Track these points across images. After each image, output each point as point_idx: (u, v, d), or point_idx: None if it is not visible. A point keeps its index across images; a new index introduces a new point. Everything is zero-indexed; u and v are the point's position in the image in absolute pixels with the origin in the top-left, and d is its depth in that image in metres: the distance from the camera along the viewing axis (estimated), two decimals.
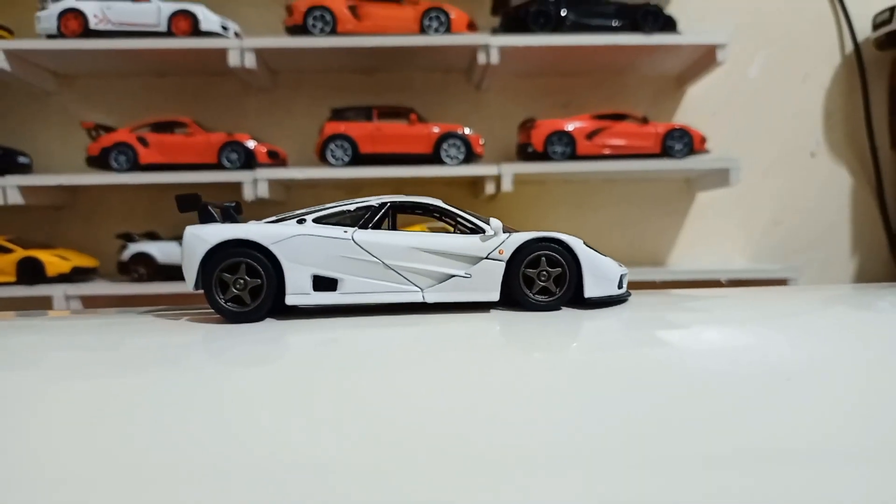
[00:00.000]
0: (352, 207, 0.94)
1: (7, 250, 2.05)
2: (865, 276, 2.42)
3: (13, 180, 2.04)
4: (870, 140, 2.41)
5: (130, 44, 2.03)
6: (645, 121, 2.16)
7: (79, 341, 0.91)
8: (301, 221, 0.93)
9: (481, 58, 2.08)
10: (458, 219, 0.95)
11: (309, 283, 0.90)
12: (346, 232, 0.91)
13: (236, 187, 2.06)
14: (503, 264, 0.90)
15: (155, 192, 2.21)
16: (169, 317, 0.96)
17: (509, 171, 2.09)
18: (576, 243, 0.92)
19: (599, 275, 0.92)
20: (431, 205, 0.96)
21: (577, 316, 0.91)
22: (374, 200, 0.95)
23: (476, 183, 2.23)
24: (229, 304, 0.89)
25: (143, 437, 0.66)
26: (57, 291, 2.04)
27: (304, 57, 2.15)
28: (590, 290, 0.92)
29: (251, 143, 2.07)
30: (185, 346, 0.87)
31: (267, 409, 0.71)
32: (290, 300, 0.89)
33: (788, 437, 0.72)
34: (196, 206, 0.93)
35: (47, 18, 2.05)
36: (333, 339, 0.86)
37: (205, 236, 0.89)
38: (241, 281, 0.89)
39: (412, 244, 0.91)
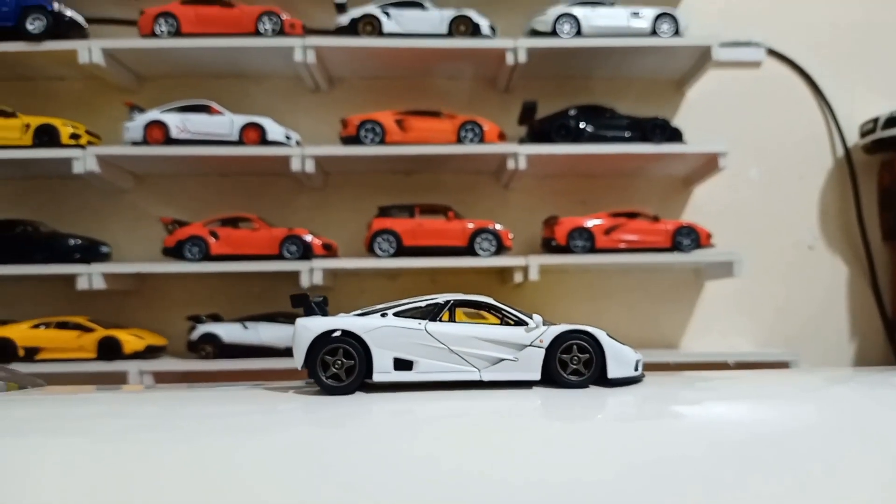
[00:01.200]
0: (423, 304, 1.20)
1: (89, 329, 2.31)
2: (863, 359, 2.63)
3: (98, 268, 2.32)
4: (862, 234, 2.66)
5: (209, 151, 2.35)
6: (656, 219, 2.43)
7: (211, 411, 1.16)
8: (384, 315, 1.19)
9: (510, 164, 2.37)
10: (506, 313, 1.20)
11: (391, 364, 1.15)
12: (419, 324, 1.16)
13: (294, 275, 2.33)
14: (543, 351, 1.15)
15: (216, 280, 2.49)
16: (276, 389, 1.21)
17: (535, 263, 2.35)
18: (601, 335, 1.17)
19: (620, 360, 1.17)
20: (485, 302, 1.22)
21: (602, 392, 1.15)
22: (440, 298, 1.21)
23: (504, 272, 2.49)
24: (329, 379, 1.14)
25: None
26: (132, 367, 2.29)
27: (354, 162, 2.45)
28: (612, 373, 1.16)
29: (308, 237, 2.35)
30: (290, 412, 1.12)
31: (356, 459, 0.95)
32: (377, 377, 1.14)
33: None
34: (305, 303, 1.19)
35: (135, 129, 2.37)
36: (409, 409, 1.11)
37: (311, 327, 1.15)
38: (339, 362, 1.14)
39: (472, 334, 1.16)
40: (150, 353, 2.36)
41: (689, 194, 2.65)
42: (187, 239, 2.35)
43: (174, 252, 2.36)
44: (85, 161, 2.33)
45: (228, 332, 2.32)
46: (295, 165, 2.34)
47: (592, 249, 2.37)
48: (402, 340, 1.15)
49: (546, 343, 1.15)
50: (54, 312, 2.42)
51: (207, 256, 2.34)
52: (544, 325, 1.18)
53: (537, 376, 1.15)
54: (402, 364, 1.15)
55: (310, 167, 2.34)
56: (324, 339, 1.15)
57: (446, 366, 1.15)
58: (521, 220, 2.59)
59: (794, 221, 2.68)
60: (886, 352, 2.62)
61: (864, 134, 2.63)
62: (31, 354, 2.26)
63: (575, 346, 1.16)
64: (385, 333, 1.15)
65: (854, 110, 2.65)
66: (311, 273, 2.31)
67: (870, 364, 2.63)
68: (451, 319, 1.21)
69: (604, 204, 2.56)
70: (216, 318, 2.42)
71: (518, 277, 2.36)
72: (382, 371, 1.14)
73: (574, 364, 1.16)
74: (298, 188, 2.62)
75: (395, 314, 1.19)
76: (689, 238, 2.37)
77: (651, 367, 2.36)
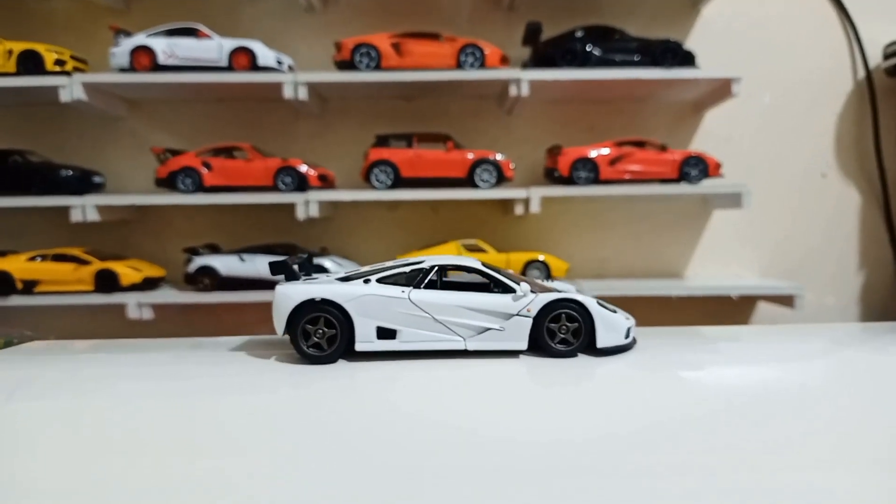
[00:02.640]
0: (407, 269, 1.16)
1: (85, 262, 2.29)
2: (869, 290, 2.59)
3: (91, 200, 2.28)
4: (878, 161, 2.57)
5: (195, 77, 2.26)
6: (664, 148, 2.34)
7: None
8: (367, 281, 1.15)
9: (513, 90, 2.27)
10: (492, 278, 1.16)
11: (374, 333, 1.12)
12: (403, 292, 1.13)
13: (290, 207, 2.28)
14: (530, 320, 1.12)
15: (216, 210, 2.45)
16: (259, 355, 1.19)
17: (537, 194, 2.29)
18: (590, 303, 1.13)
19: (610, 328, 1.13)
20: (472, 266, 1.17)
21: (591, 361, 1.12)
22: (425, 263, 1.17)
23: (506, 202, 2.43)
24: (310, 349, 1.11)
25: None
26: (130, 300, 2.28)
27: (351, 88, 2.35)
28: (602, 341, 1.13)
29: (304, 168, 2.29)
30: (276, 380, 1.10)
31: (343, 424, 0.93)
32: (359, 347, 1.12)
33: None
34: (284, 269, 1.15)
35: (121, 55, 2.28)
36: (392, 376, 1.09)
37: (292, 295, 1.11)
38: (321, 331, 1.11)
39: (457, 303, 1.12)
40: (149, 284, 2.35)
41: (699, 119, 2.55)
42: (180, 170, 2.29)
43: (167, 183, 2.31)
44: (71, 89, 2.25)
45: (225, 264, 2.30)
46: (287, 93, 2.25)
47: (596, 181, 2.30)
48: (386, 309, 1.12)
49: (534, 312, 1.12)
50: (55, 243, 2.40)
51: (201, 188, 2.29)
52: (532, 292, 1.13)
53: (524, 346, 1.12)
54: (385, 333, 1.12)
55: (303, 94, 2.25)
56: (305, 307, 1.11)
57: (430, 335, 1.12)
58: (525, 148, 2.51)
59: (808, 149, 2.58)
60: (894, 283, 2.57)
61: (887, 56, 2.49)
62: (29, 287, 2.26)
63: (563, 315, 1.12)
64: (367, 302, 1.11)
65: (879, 31, 2.50)
66: (307, 205, 2.26)
67: (875, 295, 2.59)
68: (440, 284, 1.17)
69: (611, 130, 2.47)
70: (214, 249, 2.39)
71: (519, 210, 2.30)
72: (365, 340, 1.12)
73: (562, 333, 1.13)
74: (296, 115, 2.53)
75: (379, 280, 1.15)
76: (696, 168, 2.29)
77: (651, 301, 2.36)
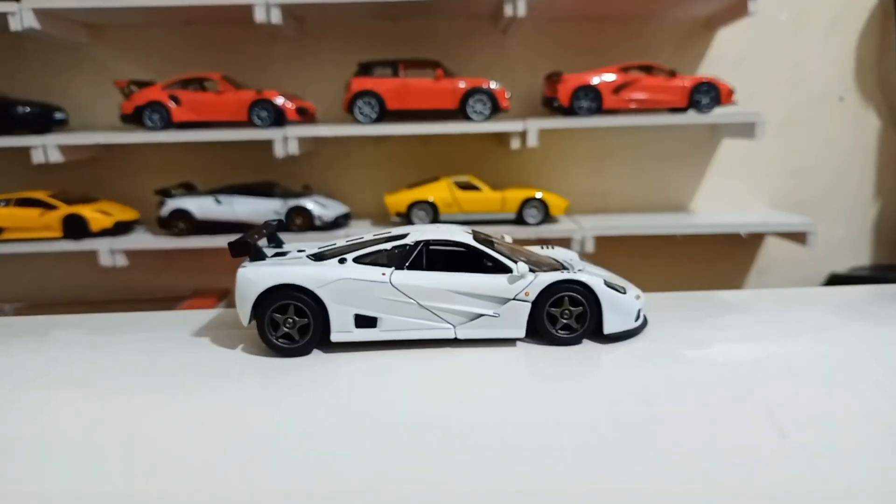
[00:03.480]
0: (388, 247, 1.02)
1: (51, 206, 2.14)
2: (886, 222, 2.45)
3: (53, 139, 2.10)
4: None
5: (156, 1, 2.04)
6: (672, 73, 2.15)
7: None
8: (342, 261, 1.01)
9: (508, 8, 2.06)
10: (486, 258, 1.02)
11: (352, 322, 0.99)
12: (384, 274, 0.99)
13: (267, 145, 2.12)
14: (529, 305, 0.98)
15: (190, 146, 2.27)
16: (228, 344, 1.06)
17: (535, 127, 2.12)
18: (597, 285, 0.99)
19: (618, 310, 1.00)
20: (462, 243, 1.03)
21: (597, 349, 1.00)
22: (409, 239, 1.02)
23: (501, 136, 2.26)
24: (280, 340, 0.98)
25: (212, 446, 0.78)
26: (102, 246, 2.14)
27: (329, 7, 2.14)
28: (608, 327, 1.00)
29: (280, 101, 2.11)
30: (241, 374, 0.97)
31: (317, 424, 0.81)
32: (335, 337, 0.99)
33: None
34: (247, 251, 1.01)
35: None
36: (373, 368, 0.96)
37: (256, 280, 0.97)
38: (291, 320, 0.98)
39: (445, 286, 0.98)
40: (121, 228, 2.20)
41: (710, 39, 2.34)
42: (146, 105, 2.11)
43: (133, 119, 2.13)
44: (21, 16, 2.03)
45: (200, 207, 2.15)
46: (259, 16, 2.04)
47: (599, 110, 2.12)
48: (364, 294, 0.98)
49: (533, 296, 0.98)
50: (18, 186, 2.24)
51: (169, 124, 2.11)
52: (532, 271, 1.00)
53: (522, 333, 1.00)
54: (364, 321, 0.99)
55: (276, 18, 2.04)
56: (272, 293, 0.97)
57: (416, 322, 0.99)
58: (522, 73, 2.32)
59: (825, 72, 2.39)
60: None
61: None
62: None
63: (566, 299, 0.99)
64: (343, 287, 0.98)
65: None
66: (286, 142, 2.09)
67: (891, 228, 2.45)
68: (427, 264, 1.02)
69: (614, 53, 2.27)
70: (189, 188, 2.24)
71: (515, 144, 2.14)
72: (342, 330, 0.99)
73: (565, 318, 1.00)
74: (271, 38, 2.32)
75: (356, 260, 1.01)
76: (708, 96, 2.11)
77: (656, 239, 2.22)
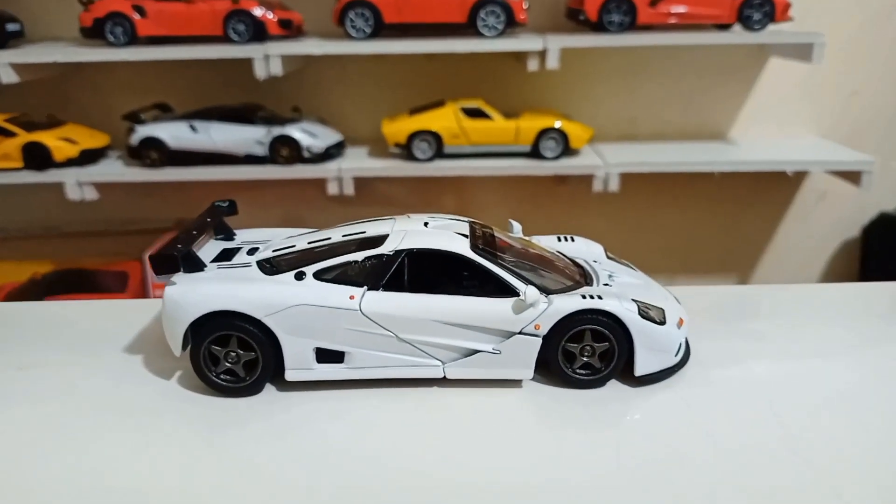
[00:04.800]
0: (360, 258, 0.78)
1: (9, 133, 1.90)
2: None
3: (4, 57, 1.84)
4: None
5: None
6: None
7: None
8: (300, 276, 0.78)
9: None
10: (486, 276, 0.78)
11: (311, 357, 0.77)
12: (352, 298, 0.76)
13: (247, 63, 1.84)
14: (539, 340, 0.76)
15: (164, 65, 1.99)
16: (155, 370, 0.85)
17: (556, 46, 1.82)
18: (629, 317, 0.76)
19: (655, 346, 0.78)
20: (456, 254, 0.79)
21: (625, 394, 0.78)
22: (387, 247, 0.79)
23: (517, 55, 1.96)
24: (221, 377, 0.77)
25: None
26: (68, 177, 1.92)
27: None
28: (642, 367, 0.78)
29: (259, 12, 1.81)
30: (172, 423, 0.77)
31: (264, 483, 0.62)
32: (291, 376, 0.78)
33: None
34: (176, 267, 0.78)
35: None
36: (337, 413, 0.76)
37: (186, 305, 0.75)
38: (233, 354, 0.77)
39: (431, 315, 0.76)
40: (90, 157, 1.97)
41: None
42: (106, 17, 1.82)
43: (94, 33, 1.85)
44: None
45: (173, 135, 1.90)
46: None
47: (633, 25, 1.81)
48: (327, 324, 0.76)
49: (545, 330, 0.76)
50: None
51: (135, 39, 1.83)
52: (546, 294, 0.77)
53: (529, 375, 0.78)
54: (328, 354, 0.77)
55: None
56: (208, 322, 0.76)
57: (393, 357, 0.77)
58: None
59: None
60: None
61: None
62: None
63: (588, 332, 0.76)
64: (299, 315, 0.75)
65: None
66: (267, 61, 1.81)
67: None
68: (410, 280, 0.79)
69: None
70: (165, 109, 1.98)
71: (533, 65, 1.85)
72: (298, 366, 0.77)
73: (586, 356, 0.77)
74: None
75: (318, 274, 0.78)
76: (760, 11, 1.80)
77: (691, 176, 1.96)
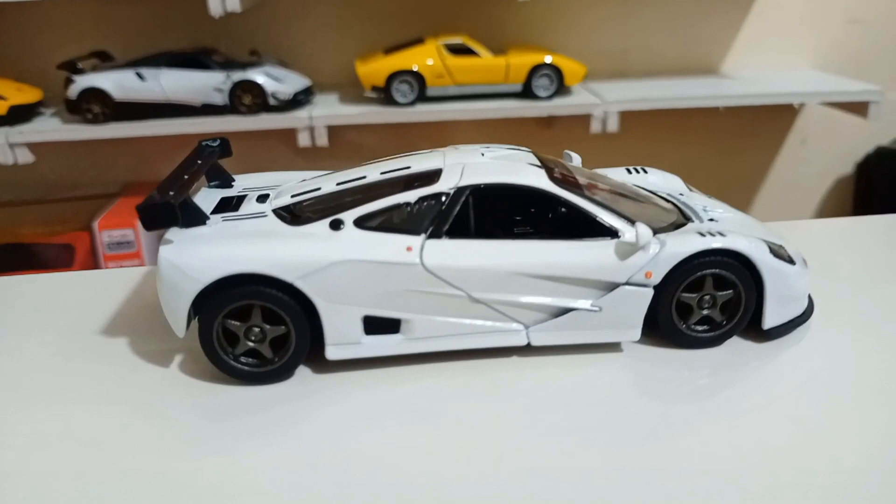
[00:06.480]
0: (412, 198, 0.61)
1: None
2: None
3: None
4: None
5: None
6: None
7: None
8: (336, 225, 0.60)
9: None
10: (578, 217, 0.62)
11: (359, 328, 0.59)
12: (409, 251, 0.58)
13: (195, 1, 1.60)
14: (651, 291, 0.60)
15: (103, 3, 1.75)
16: (152, 359, 0.66)
17: None
18: (761, 257, 0.60)
19: (787, 293, 0.63)
20: (535, 189, 0.62)
21: (751, 351, 0.63)
22: (444, 183, 0.61)
23: None
24: (241, 360, 0.59)
25: None
26: None
27: None
28: (771, 318, 0.62)
29: None
30: (178, 423, 0.59)
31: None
32: (333, 353, 0.60)
33: None
34: (173, 219, 0.59)
35: None
36: (395, 399, 0.58)
37: (192, 272, 0.56)
38: (257, 330, 0.59)
39: (513, 267, 0.59)
40: (20, 115, 1.71)
41: None
42: None
43: None
44: None
45: (119, 84, 1.66)
46: None
47: None
48: (379, 284, 0.58)
49: (657, 278, 0.60)
50: None
51: None
52: (656, 236, 0.60)
53: (636, 335, 0.62)
54: (379, 324, 0.60)
55: None
56: (221, 289, 0.57)
57: (464, 324, 0.60)
58: None
59: None
60: None
61: None
62: None
63: (709, 279, 0.60)
64: (341, 276, 0.57)
65: None
66: None
67: None
68: (472, 225, 0.62)
69: None
70: (104, 58, 1.73)
71: None
72: (342, 341, 0.59)
73: (705, 308, 0.62)
74: None
75: (359, 222, 0.60)
76: None
77: (692, 113, 1.82)
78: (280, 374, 0.60)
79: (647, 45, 1.99)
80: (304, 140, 1.71)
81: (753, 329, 0.64)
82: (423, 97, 1.71)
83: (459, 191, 0.60)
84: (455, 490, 0.48)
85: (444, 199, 0.60)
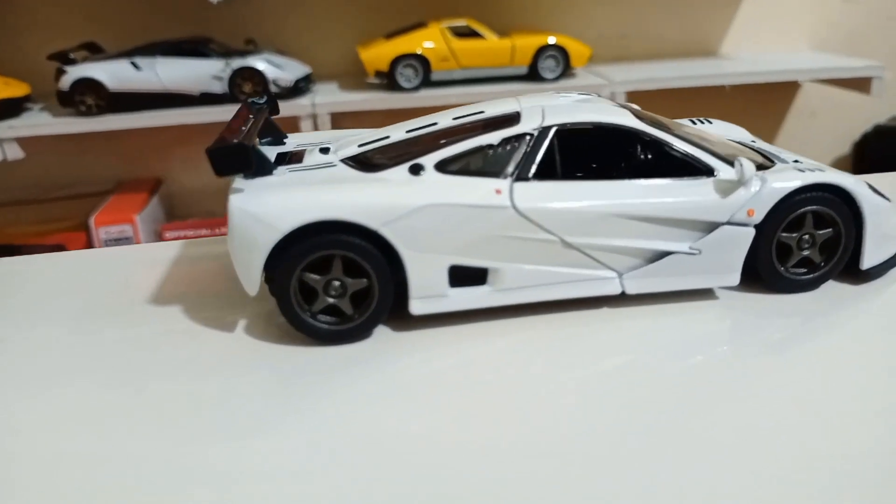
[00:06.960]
0: (495, 140, 0.57)
1: None
2: None
3: None
4: None
5: None
6: None
7: None
8: (416, 170, 0.56)
9: None
10: (669, 155, 0.58)
11: (444, 279, 0.55)
12: (498, 194, 0.55)
13: None
14: (752, 231, 0.57)
15: None
16: (215, 324, 0.61)
17: None
18: (862, 192, 0.58)
19: (887, 233, 0.60)
20: (624, 127, 0.58)
21: (853, 294, 0.60)
22: (526, 124, 0.57)
23: None
24: (320, 318, 0.55)
25: None
26: None
27: None
28: (870, 258, 0.60)
29: None
30: (251, 385, 0.54)
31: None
32: (417, 308, 0.56)
33: None
34: (245, 164, 0.54)
35: None
36: (488, 354, 0.54)
37: (271, 219, 0.52)
38: (337, 283, 0.54)
39: (611, 209, 0.55)
40: (8, 109, 1.64)
41: None
42: None
43: None
44: None
45: (114, 74, 1.60)
46: None
47: None
48: (465, 231, 0.54)
49: (759, 217, 0.56)
50: None
51: None
52: (758, 172, 0.57)
53: (735, 280, 0.59)
54: (465, 275, 0.56)
55: None
56: (299, 240, 0.53)
57: (556, 272, 0.56)
58: None
59: None
60: None
61: None
62: None
63: (809, 216, 0.58)
64: (428, 221, 0.53)
65: None
66: None
67: None
68: (559, 167, 0.58)
69: None
70: (94, 50, 1.67)
71: None
72: (427, 294, 0.55)
73: (804, 248, 0.59)
74: None
75: (440, 166, 0.56)
76: None
77: (690, 91, 1.81)
78: (360, 331, 0.56)
79: (645, 29, 1.98)
80: (306, 128, 1.67)
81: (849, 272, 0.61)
82: (427, 81, 1.68)
83: (544, 131, 0.57)
84: (575, 446, 0.45)
85: (528, 139, 0.57)
